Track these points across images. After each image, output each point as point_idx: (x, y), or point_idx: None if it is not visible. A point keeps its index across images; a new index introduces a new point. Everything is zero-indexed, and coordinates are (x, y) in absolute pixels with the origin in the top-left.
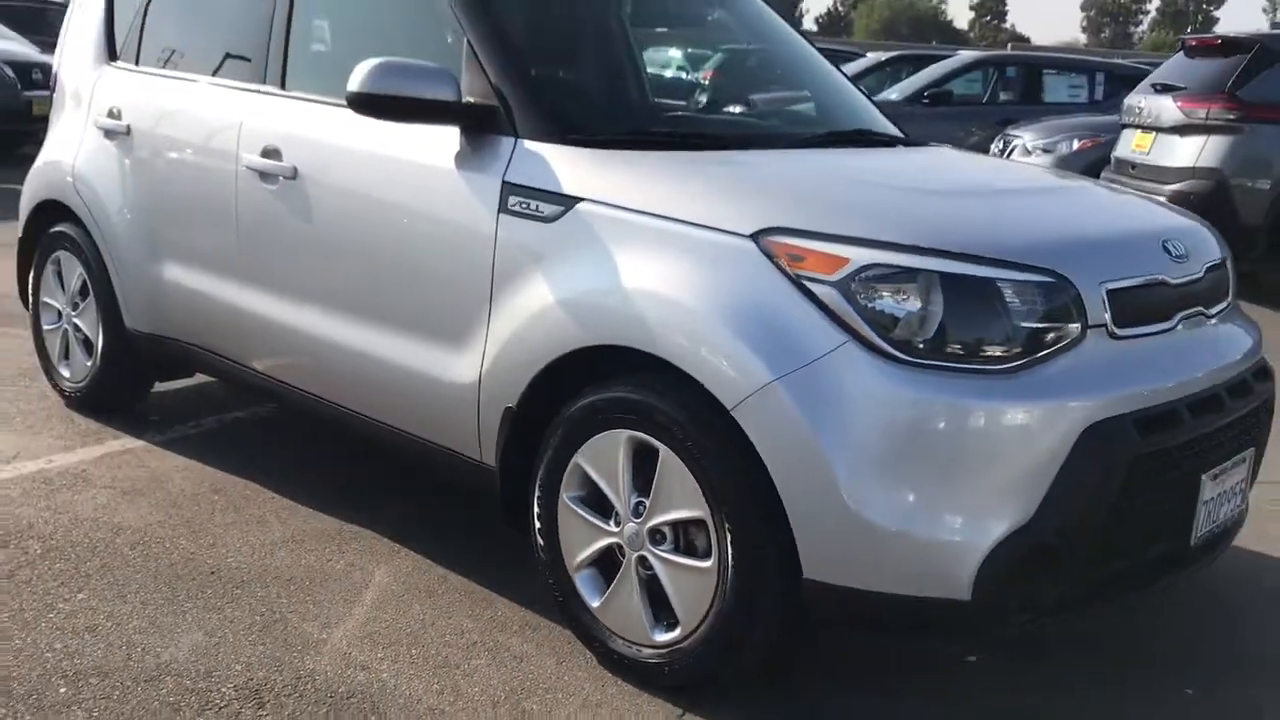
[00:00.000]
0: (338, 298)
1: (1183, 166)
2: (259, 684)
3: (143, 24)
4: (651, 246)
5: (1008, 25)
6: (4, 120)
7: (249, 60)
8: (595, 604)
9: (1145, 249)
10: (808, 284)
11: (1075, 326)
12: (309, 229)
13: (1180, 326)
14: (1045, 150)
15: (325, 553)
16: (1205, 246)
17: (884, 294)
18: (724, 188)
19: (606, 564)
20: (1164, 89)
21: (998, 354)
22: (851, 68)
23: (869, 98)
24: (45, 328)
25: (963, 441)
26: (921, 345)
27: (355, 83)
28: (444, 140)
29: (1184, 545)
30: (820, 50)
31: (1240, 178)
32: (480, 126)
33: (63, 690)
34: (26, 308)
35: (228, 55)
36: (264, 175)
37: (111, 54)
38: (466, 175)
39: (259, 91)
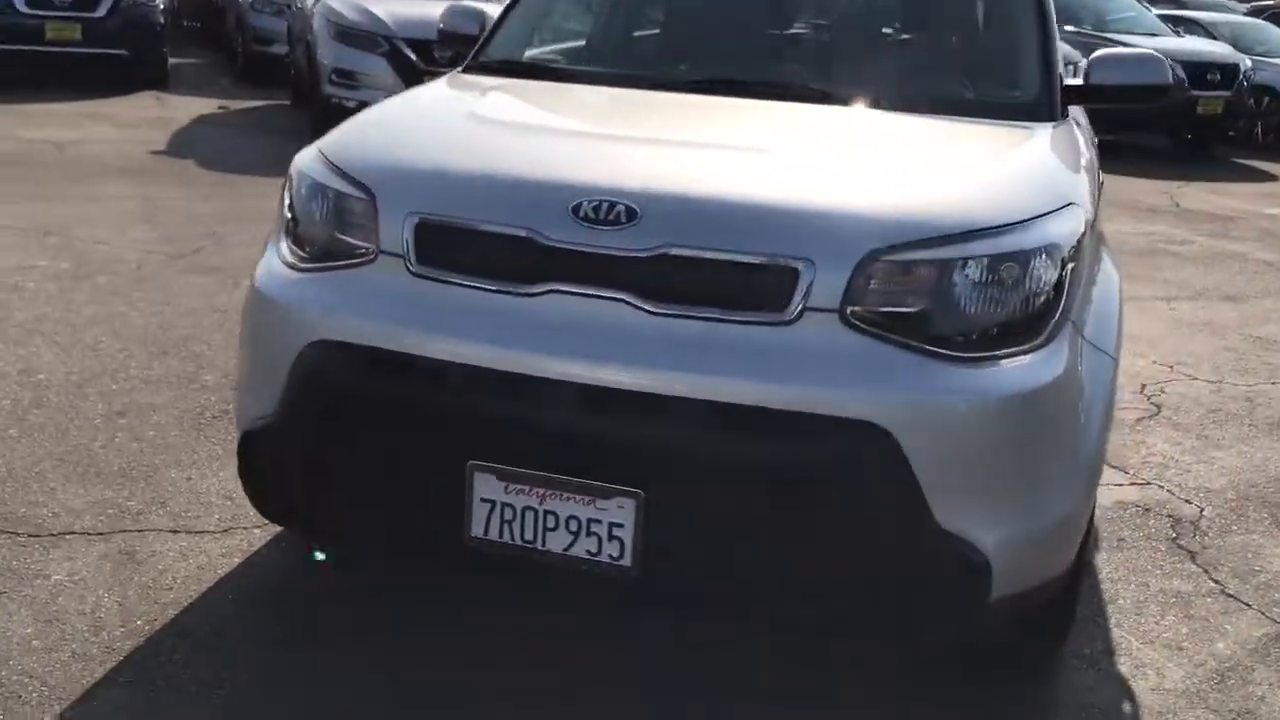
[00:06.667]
0: None
1: None
2: None
3: None
4: None
5: None
6: None
7: None
8: None
9: (521, 200)
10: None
11: (368, 246)
12: None
13: (548, 296)
14: None
15: None
16: (714, 234)
17: (303, 199)
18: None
19: None
20: None
21: (309, 253)
22: None
23: None
24: None
25: (255, 324)
26: (294, 241)
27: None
28: None
29: (456, 535)
30: None
31: None
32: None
33: None
34: None
35: None
36: None
37: None
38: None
39: None
